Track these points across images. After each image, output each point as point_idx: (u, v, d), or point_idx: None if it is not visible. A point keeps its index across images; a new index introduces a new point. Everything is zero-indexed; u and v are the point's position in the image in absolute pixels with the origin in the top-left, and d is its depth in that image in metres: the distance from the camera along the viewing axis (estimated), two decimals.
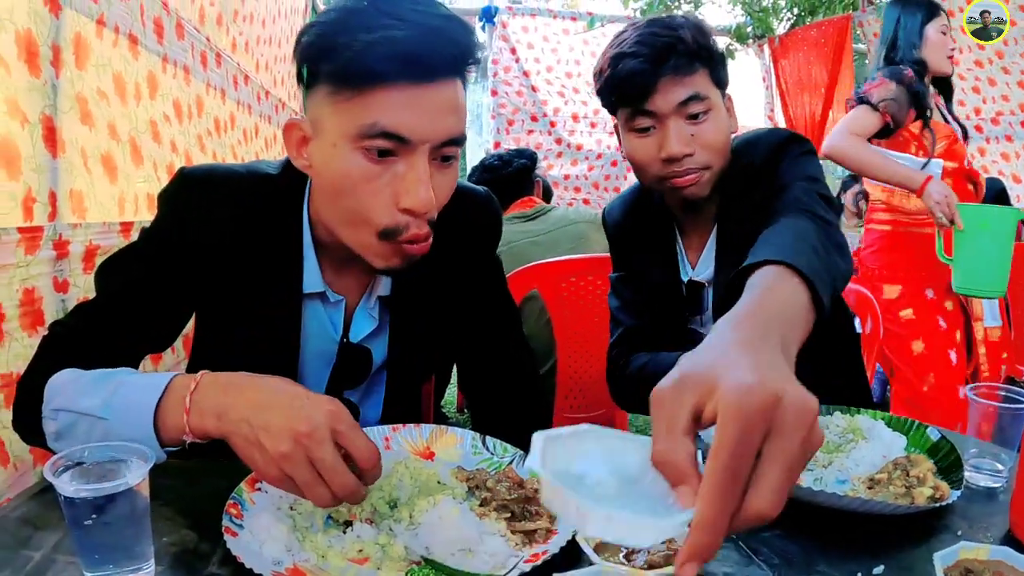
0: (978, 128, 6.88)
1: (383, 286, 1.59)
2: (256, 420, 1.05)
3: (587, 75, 8.13)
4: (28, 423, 1.29)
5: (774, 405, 0.70)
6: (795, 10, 9.58)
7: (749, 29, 8.89)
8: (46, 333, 1.42)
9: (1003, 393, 1.40)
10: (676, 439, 0.73)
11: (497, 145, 7.69)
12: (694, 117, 1.73)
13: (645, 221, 2.01)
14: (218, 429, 1.09)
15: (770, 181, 1.74)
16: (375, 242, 1.34)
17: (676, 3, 7.81)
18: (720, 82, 1.81)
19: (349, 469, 1.05)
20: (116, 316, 1.42)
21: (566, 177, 8.19)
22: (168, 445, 1.16)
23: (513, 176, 3.72)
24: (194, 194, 1.46)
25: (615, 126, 1.91)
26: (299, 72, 1.34)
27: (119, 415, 1.15)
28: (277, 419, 1.04)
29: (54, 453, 1.08)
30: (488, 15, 7.72)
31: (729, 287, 1.11)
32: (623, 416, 3.32)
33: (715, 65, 1.78)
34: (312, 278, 1.51)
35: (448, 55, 1.28)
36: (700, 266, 1.92)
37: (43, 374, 1.29)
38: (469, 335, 1.79)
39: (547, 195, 5.07)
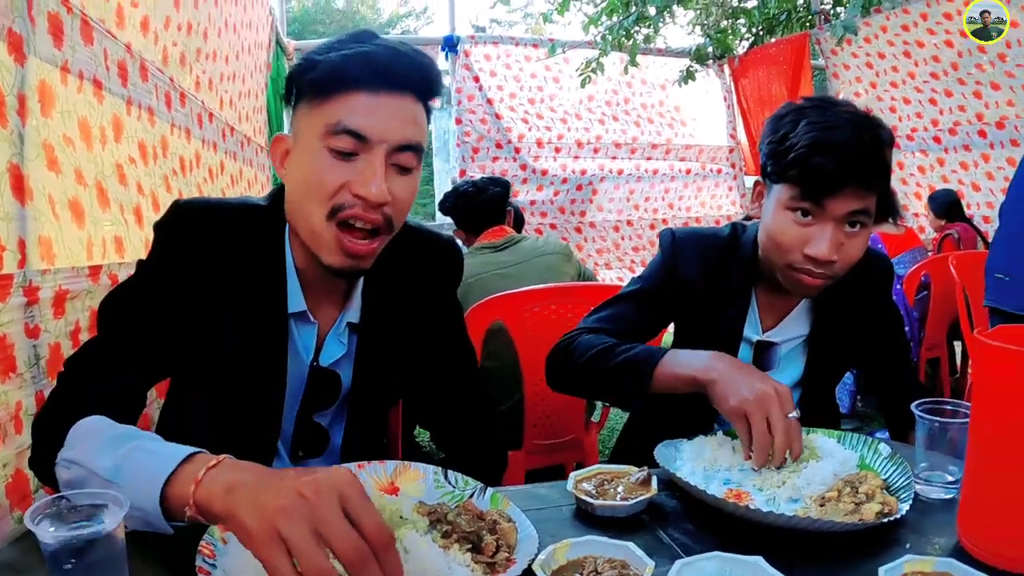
0: (936, 139, 7.13)
1: (353, 312, 1.68)
2: (262, 486, 0.98)
3: (550, 101, 8.29)
4: (43, 465, 1.31)
5: None
6: (754, 29, 9.69)
7: (709, 50, 8.98)
8: (61, 371, 1.47)
9: (948, 407, 1.46)
10: None
11: (463, 173, 7.75)
12: (852, 226, 1.71)
13: (725, 275, 1.97)
14: (224, 504, 0.99)
15: (879, 293, 2.07)
16: (324, 224, 1.45)
17: (636, 28, 7.84)
18: (882, 201, 1.78)
19: None
20: (120, 349, 1.48)
21: (532, 203, 8.25)
22: (173, 519, 1.09)
23: (486, 204, 3.71)
24: (186, 224, 1.54)
25: (756, 186, 1.91)
26: (287, 94, 1.52)
27: (128, 479, 1.11)
28: (285, 483, 0.96)
29: None
30: (451, 44, 7.79)
31: None
32: (592, 442, 3.35)
33: (888, 187, 1.78)
34: (295, 299, 1.60)
35: (408, 72, 1.45)
36: (780, 330, 1.98)
37: (55, 415, 1.35)
38: (427, 371, 1.87)
39: (519, 223, 5.06)
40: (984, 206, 6.81)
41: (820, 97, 1.80)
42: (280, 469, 1.07)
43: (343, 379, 1.70)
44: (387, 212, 1.46)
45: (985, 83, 6.60)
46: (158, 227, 1.55)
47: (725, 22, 9.62)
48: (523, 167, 8.19)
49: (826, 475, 1.43)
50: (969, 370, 4.99)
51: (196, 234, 1.53)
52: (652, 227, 9.05)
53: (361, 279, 1.68)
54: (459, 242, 3.01)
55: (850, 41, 7.38)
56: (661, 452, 1.55)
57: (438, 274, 1.85)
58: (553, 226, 8.43)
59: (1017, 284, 3.76)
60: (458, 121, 7.90)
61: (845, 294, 1.92)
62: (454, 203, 3.79)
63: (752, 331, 1.98)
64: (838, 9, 9.82)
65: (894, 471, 1.46)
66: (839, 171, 1.63)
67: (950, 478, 1.43)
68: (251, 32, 5.71)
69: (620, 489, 1.42)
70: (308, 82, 1.44)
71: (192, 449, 1.12)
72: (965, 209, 6.42)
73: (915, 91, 7.25)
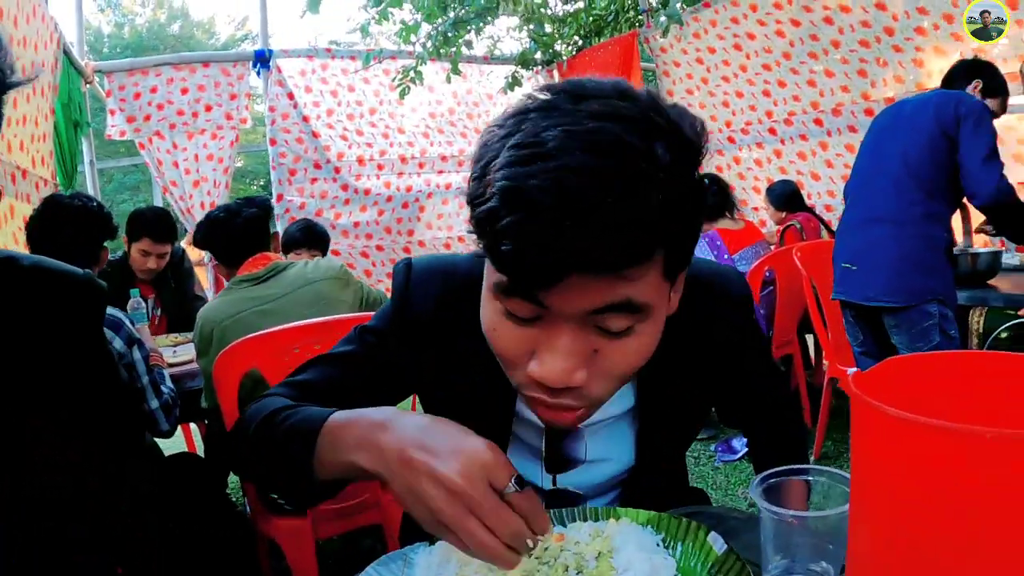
0: (772, 131, 7.04)
1: None
2: None
3: (371, 116, 7.89)
4: None
5: None
6: (582, 31, 9.49)
7: (537, 55, 8.71)
8: None
9: (805, 478, 0.97)
10: None
11: (280, 197, 7.27)
12: (610, 333, 1.00)
13: (478, 330, 1.13)
14: None
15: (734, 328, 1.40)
16: None
17: (456, 33, 7.47)
18: (678, 264, 1.05)
19: None
20: None
21: (356, 224, 7.79)
22: None
23: (241, 229, 3.15)
24: None
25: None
26: None
27: None
28: None
29: None
30: (261, 59, 7.25)
31: None
32: (392, 500, 2.90)
33: (680, 239, 1.01)
34: None
35: None
36: None
37: None
38: (76, 451, 1.33)
39: (323, 245, 4.73)
40: (825, 195, 6.69)
41: (571, 84, 0.99)
42: None
43: None
44: None
45: (819, 71, 6.47)
46: None
47: (551, 26, 9.35)
48: (344, 187, 7.69)
49: None
50: (824, 363, 4.77)
51: None
52: None
53: None
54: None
55: (680, 38, 7.33)
56: None
57: (69, 320, 1.32)
58: (380, 247, 7.94)
59: (864, 273, 3.61)
60: (272, 142, 7.34)
61: (684, 339, 1.26)
62: (206, 233, 3.20)
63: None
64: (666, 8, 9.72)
65: None
66: (547, 246, 0.88)
67: None
68: (26, 50, 5.05)
69: None
70: None
71: None
72: (806, 199, 6.24)
73: (748, 84, 7.13)
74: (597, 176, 0.87)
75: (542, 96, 0.99)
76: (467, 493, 0.87)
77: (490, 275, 1.04)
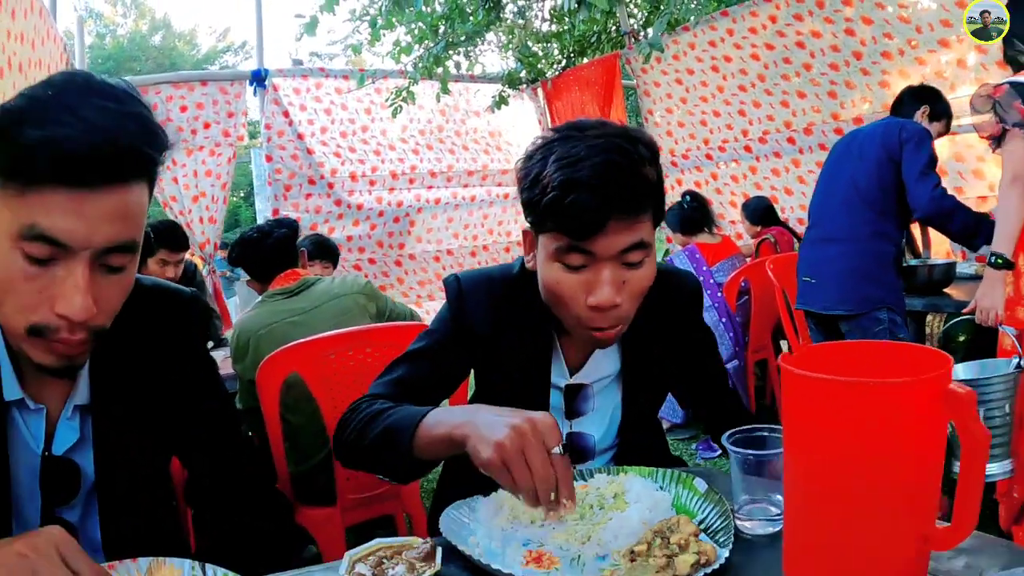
0: (747, 148, 7.31)
1: (80, 394, 1.46)
2: None
3: (363, 133, 8.11)
4: None
5: None
6: (566, 52, 9.77)
7: (522, 74, 8.97)
8: None
9: (764, 432, 1.38)
10: None
11: (276, 212, 7.43)
12: (629, 266, 1.55)
13: (520, 318, 1.79)
14: None
15: (688, 315, 1.95)
16: (25, 337, 1.25)
17: (446, 54, 7.71)
18: (659, 219, 1.62)
19: None
20: None
21: (348, 238, 7.98)
22: None
23: (273, 248, 3.43)
24: None
25: (526, 236, 1.70)
26: None
27: None
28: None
29: None
30: (258, 78, 7.49)
31: None
32: (413, 490, 3.18)
33: (660, 202, 1.60)
34: (9, 385, 1.39)
35: (117, 160, 1.21)
36: (588, 369, 1.82)
37: None
38: (183, 443, 1.64)
39: (333, 258, 5.00)
40: (798, 209, 6.93)
41: (572, 124, 1.60)
42: None
43: (84, 468, 1.46)
44: (95, 323, 1.27)
45: (792, 92, 6.78)
46: None
47: (536, 46, 9.65)
48: (337, 203, 7.92)
49: (634, 525, 1.29)
50: None
51: None
52: (473, 254, 8.97)
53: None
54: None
55: (660, 59, 7.61)
56: (448, 519, 1.39)
57: (181, 332, 1.61)
58: (372, 261, 8.19)
59: (822, 285, 4.00)
60: (268, 158, 7.57)
61: (653, 321, 1.79)
62: (240, 252, 3.49)
63: (559, 375, 1.82)
64: (648, 29, 9.99)
65: (711, 510, 1.36)
66: (596, 207, 1.45)
67: (774, 510, 1.33)
68: (41, 71, 5.28)
69: (400, 568, 1.23)
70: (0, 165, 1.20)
71: None
72: (779, 213, 6.56)
73: (724, 104, 7.42)
74: (615, 165, 1.46)
75: (554, 134, 1.59)
76: (527, 435, 1.24)
77: (549, 246, 1.57)
